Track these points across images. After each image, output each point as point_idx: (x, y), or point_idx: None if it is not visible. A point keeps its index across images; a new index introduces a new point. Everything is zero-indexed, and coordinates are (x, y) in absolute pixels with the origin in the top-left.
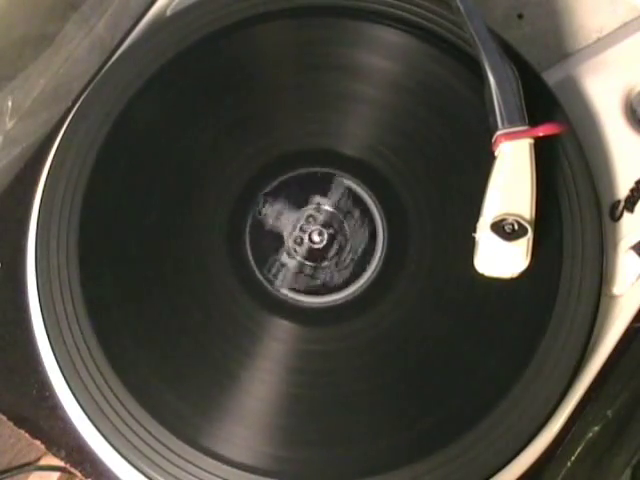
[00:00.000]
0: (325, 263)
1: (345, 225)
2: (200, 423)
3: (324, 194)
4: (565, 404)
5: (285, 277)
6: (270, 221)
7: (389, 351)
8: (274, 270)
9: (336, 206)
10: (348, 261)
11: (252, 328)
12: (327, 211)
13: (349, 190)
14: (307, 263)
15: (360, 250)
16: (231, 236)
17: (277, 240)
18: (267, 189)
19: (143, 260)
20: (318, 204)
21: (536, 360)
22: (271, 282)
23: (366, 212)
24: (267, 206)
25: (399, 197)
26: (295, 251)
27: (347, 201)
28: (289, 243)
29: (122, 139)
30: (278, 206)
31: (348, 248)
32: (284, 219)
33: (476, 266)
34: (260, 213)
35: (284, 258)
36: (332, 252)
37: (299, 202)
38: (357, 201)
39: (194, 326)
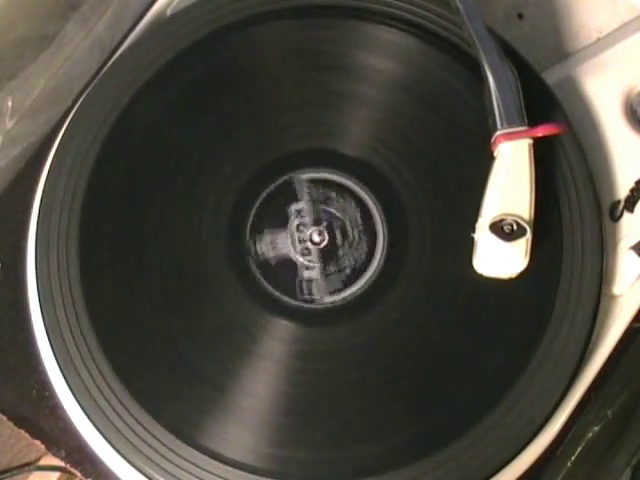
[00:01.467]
0: (341, 252)
1: (332, 210)
2: (200, 423)
3: (295, 199)
4: (565, 404)
5: (319, 288)
6: (270, 254)
7: (389, 351)
8: (306, 290)
9: (312, 200)
10: (357, 236)
11: (252, 328)
12: (309, 210)
13: (311, 181)
14: (327, 263)
15: (360, 221)
16: (232, 235)
17: (289, 264)
18: (248, 223)
19: (143, 260)
20: (298, 210)
21: (536, 360)
22: (313, 301)
23: (341, 189)
24: (258, 244)
25: (399, 197)
26: (310, 261)
27: (317, 190)
28: (300, 259)
29: (122, 139)
30: (267, 237)
31: (349, 226)
32: (280, 244)
33: (475, 266)
34: (257, 254)
35: (306, 274)
36: (339, 240)
37: (281, 221)
38: (326, 184)
39: (194, 326)
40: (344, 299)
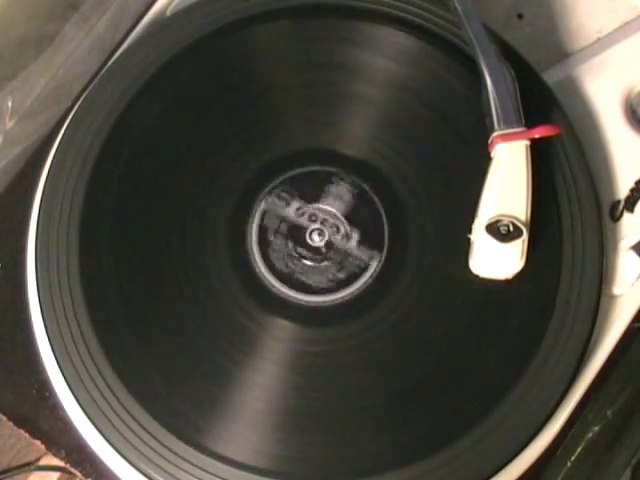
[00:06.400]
0: (326, 262)
1: (340, 216)
2: (200, 423)
3: (311, 193)
4: (565, 404)
5: (304, 284)
6: (269, 239)
7: (389, 351)
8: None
9: (326, 200)
10: (355, 247)
11: (252, 328)
12: (319, 208)
13: (333, 181)
14: (310, 263)
15: (363, 233)
16: (233, 236)
17: (283, 253)
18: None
19: (143, 260)
20: (309, 205)
21: (536, 360)
22: (293, 295)
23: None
24: (260, 225)
25: (399, 197)
26: (303, 257)
27: (336, 192)
28: (294, 252)
29: (122, 139)
30: (271, 221)
31: (351, 235)
32: (281, 231)
33: (471, 267)
34: (256, 236)
35: (295, 267)
36: (337, 245)
37: (290, 210)
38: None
39: (194, 326)
40: (335, 302)
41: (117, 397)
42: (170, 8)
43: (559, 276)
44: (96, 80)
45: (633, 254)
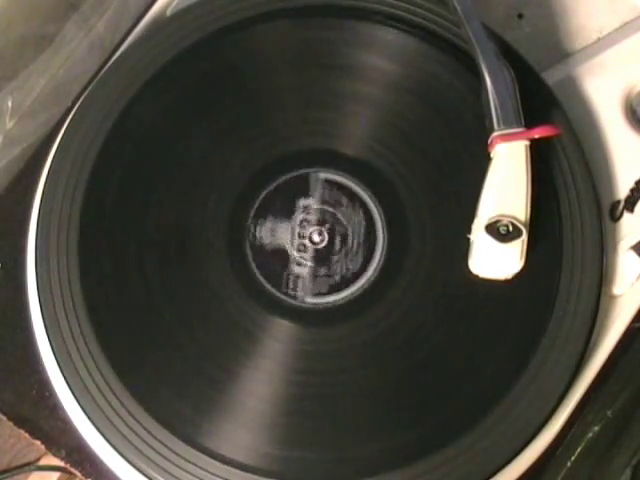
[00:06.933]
0: (335, 258)
1: (339, 215)
2: (200, 423)
3: (306, 195)
4: (565, 404)
5: (305, 287)
6: (267, 240)
7: (389, 351)
8: (291, 284)
9: (322, 201)
10: (355, 247)
11: (252, 328)
12: (316, 209)
13: (327, 182)
14: (318, 265)
15: (362, 233)
16: (233, 235)
17: (282, 255)
18: (251, 212)
19: (143, 260)
20: (305, 206)
21: (536, 360)
22: (295, 297)
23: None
24: (258, 228)
25: (399, 197)
26: (303, 258)
27: (331, 192)
28: (294, 254)
29: (122, 139)
30: (269, 224)
31: (350, 235)
32: (279, 233)
33: (470, 267)
34: (255, 237)
35: (296, 269)
36: (337, 245)
37: (286, 212)
38: (341, 189)
39: (194, 326)
40: (335, 302)
41: (117, 397)
42: (170, 8)
43: (559, 276)
44: (96, 80)
45: (633, 254)
